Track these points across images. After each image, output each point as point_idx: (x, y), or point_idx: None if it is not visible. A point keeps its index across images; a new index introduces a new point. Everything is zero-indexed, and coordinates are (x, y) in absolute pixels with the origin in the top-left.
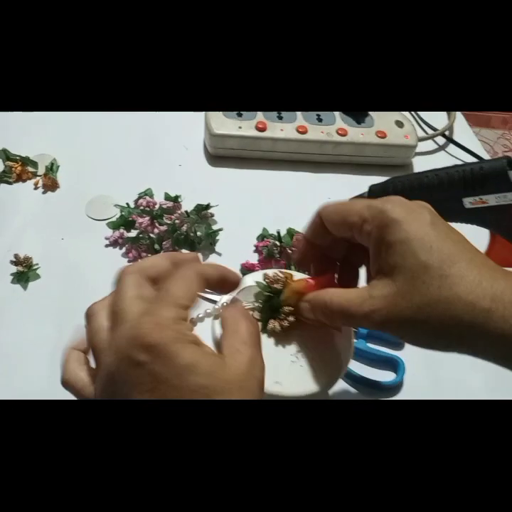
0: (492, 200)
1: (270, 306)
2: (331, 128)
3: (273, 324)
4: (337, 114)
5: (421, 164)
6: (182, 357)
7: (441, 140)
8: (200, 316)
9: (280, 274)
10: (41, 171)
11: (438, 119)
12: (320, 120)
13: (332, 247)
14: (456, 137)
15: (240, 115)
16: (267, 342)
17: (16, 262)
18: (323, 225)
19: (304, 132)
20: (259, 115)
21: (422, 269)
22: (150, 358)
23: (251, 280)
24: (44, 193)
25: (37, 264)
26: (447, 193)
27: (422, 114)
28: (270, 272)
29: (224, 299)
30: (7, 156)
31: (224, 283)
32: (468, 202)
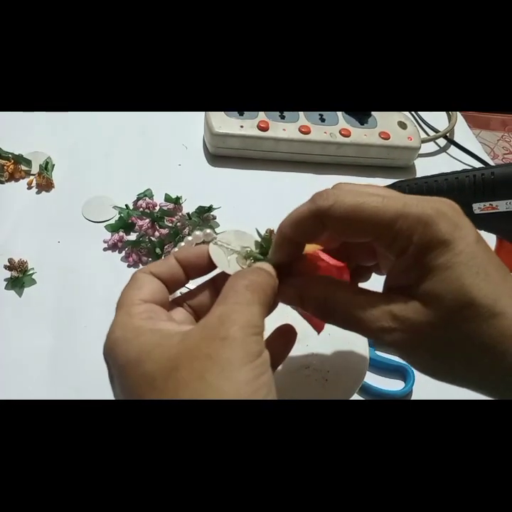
0: (502, 206)
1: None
2: (334, 128)
3: None
4: (340, 114)
5: (423, 166)
6: (125, 353)
7: (442, 142)
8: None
9: None
10: (35, 169)
11: (439, 120)
12: (323, 120)
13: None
14: (456, 139)
15: (241, 114)
16: None
17: (11, 266)
18: (323, 223)
19: (307, 132)
20: (261, 114)
21: (468, 303)
22: (113, 370)
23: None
24: (38, 193)
25: (32, 268)
26: (457, 198)
27: (423, 115)
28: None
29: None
30: None
31: (181, 273)
32: (478, 207)
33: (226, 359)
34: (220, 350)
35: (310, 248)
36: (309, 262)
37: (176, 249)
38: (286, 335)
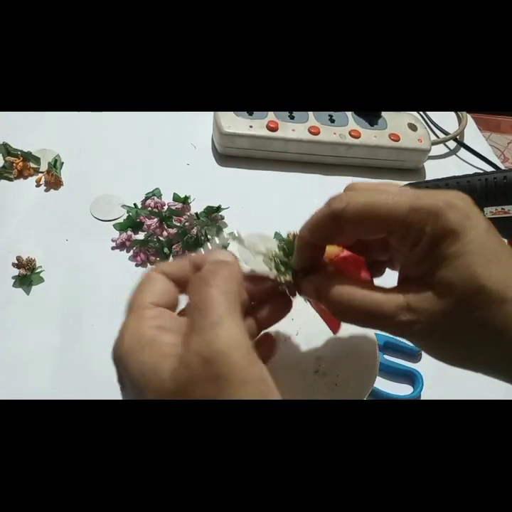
0: None
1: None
2: (344, 129)
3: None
4: (350, 115)
5: (432, 168)
6: (133, 368)
7: (451, 144)
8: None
9: None
10: (44, 167)
11: (448, 123)
12: (332, 121)
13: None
14: (466, 141)
15: (250, 114)
16: (288, 352)
17: (19, 264)
18: (339, 225)
19: (317, 133)
20: (271, 114)
21: (479, 290)
22: (122, 374)
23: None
24: (46, 190)
25: (40, 266)
26: None
27: (433, 117)
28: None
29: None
30: (8, 150)
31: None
32: (489, 211)
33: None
34: (212, 391)
35: (330, 249)
36: (329, 260)
37: (198, 252)
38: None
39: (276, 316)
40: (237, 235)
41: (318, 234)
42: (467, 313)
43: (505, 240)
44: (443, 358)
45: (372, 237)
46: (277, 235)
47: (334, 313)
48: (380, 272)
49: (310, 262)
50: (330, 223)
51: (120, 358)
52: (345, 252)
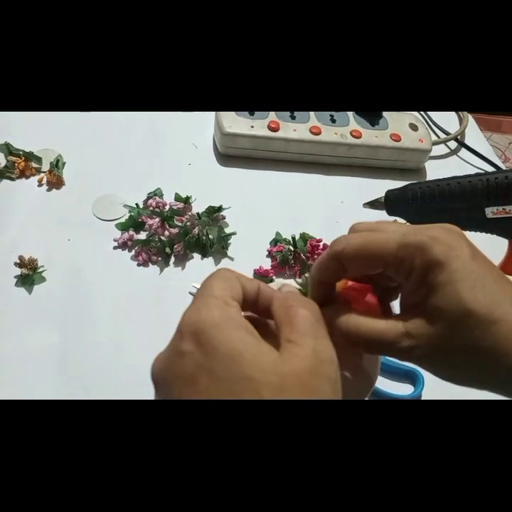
0: None
1: None
2: (345, 129)
3: None
4: (351, 115)
5: (433, 169)
6: (226, 343)
7: (452, 144)
8: None
9: None
10: (45, 167)
11: (449, 123)
12: (334, 121)
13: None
14: (467, 142)
15: (252, 114)
16: None
17: (21, 264)
18: (341, 264)
19: (318, 133)
20: (272, 115)
21: (466, 314)
22: (192, 347)
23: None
24: (48, 190)
25: (42, 266)
26: (470, 202)
27: (434, 117)
28: None
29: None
30: (9, 150)
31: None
32: (491, 211)
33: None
34: (322, 386)
35: (340, 283)
36: (337, 290)
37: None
38: None
39: None
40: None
41: (325, 273)
42: (458, 336)
43: (507, 240)
44: (448, 378)
45: (371, 272)
46: (278, 235)
47: (344, 341)
48: (394, 297)
49: (322, 299)
50: (333, 264)
51: (205, 329)
52: (351, 283)
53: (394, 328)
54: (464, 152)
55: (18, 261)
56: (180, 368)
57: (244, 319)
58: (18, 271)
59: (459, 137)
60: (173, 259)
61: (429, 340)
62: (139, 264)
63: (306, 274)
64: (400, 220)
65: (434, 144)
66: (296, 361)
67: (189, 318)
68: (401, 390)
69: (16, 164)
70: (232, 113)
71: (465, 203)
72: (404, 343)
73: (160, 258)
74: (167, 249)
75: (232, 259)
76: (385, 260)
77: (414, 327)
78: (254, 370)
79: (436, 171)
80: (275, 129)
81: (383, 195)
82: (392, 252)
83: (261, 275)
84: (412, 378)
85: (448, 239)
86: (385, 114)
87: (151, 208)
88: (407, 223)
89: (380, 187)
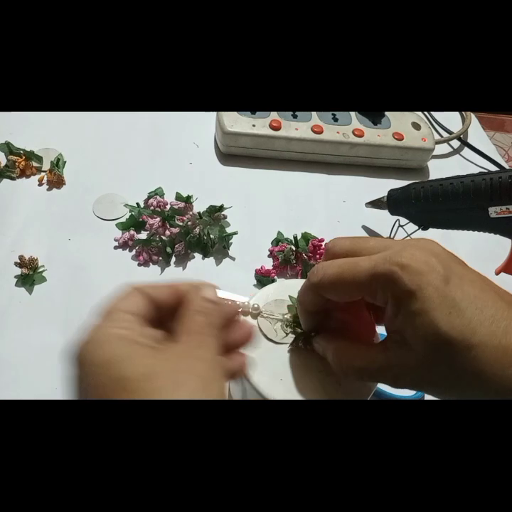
0: None
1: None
2: (347, 128)
3: (301, 342)
4: (353, 114)
5: (436, 168)
6: (102, 354)
7: (455, 143)
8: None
9: None
10: (46, 166)
11: (452, 122)
12: (336, 120)
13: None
14: (470, 141)
15: (253, 113)
16: (293, 358)
17: (21, 263)
18: (320, 294)
19: (320, 132)
20: (274, 114)
21: (444, 343)
22: (75, 372)
23: (271, 290)
24: (49, 189)
25: (43, 266)
26: (473, 201)
27: (436, 116)
28: None
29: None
30: (10, 149)
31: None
32: (494, 211)
33: (204, 375)
34: (198, 367)
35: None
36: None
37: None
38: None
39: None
40: (256, 306)
41: (308, 302)
42: (440, 365)
43: (510, 240)
44: (442, 398)
45: (350, 299)
46: (280, 235)
47: (335, 370)
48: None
49: (314, 324)
50: (312, 294)
51: (84, 350)
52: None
53: (378, 359)
54: (466, 151)
55: (19, 261)
56: (74, 388)
57: (127, 331)
58: (18, 271)
59: (461, 136)
60: (174, 259)
61: (411, 370)
62: (139, 264)
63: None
64: (402, 219)
65: (437, 143)
66: (170, 350)
67: (78, 343)
68: (403, 390)
69: (17, 163)
70: (234, 112)
71: (468, 202)
72: (388, 373)
73: (161, 258)
74: (168, 249)
75: (233, 259)
76: (361, 290)
77: (396, 356)
78: (124, 368)
79: (439, 170)
80: (277, 128)
81: (386, 194)
82: (366, 282)
83: (262, 275)
84: None
85: (419, 264)
86: (387, 113)
87: (151, 208)
88: (392, 237)
89: (382, 186)
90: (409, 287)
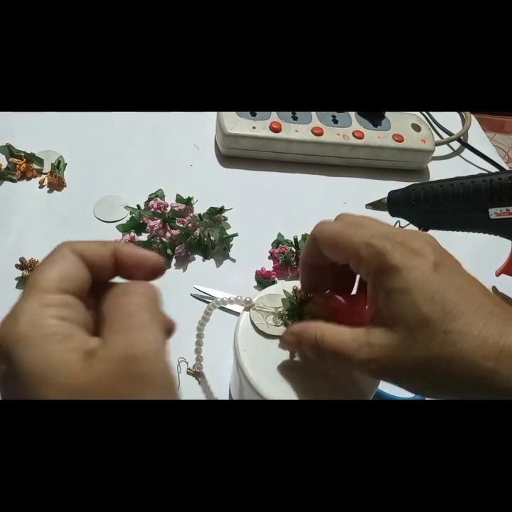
0: None
1: (297, 314)
2: (347, 130)
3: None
4: (353, 116)
5: (436, 169)
6: (31, 363)
7: (455, 145)
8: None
9: None
10: (47, 168)
11: (452, 123)
12: (336, 122)
13: (332, 265)
14: (470, 142)
15: (253, 115)
16: (294, 358)
17: (22, 265)
18: (318, 246)
19: (320, 134)
20: (274, 115)
21: (423, 323)
22: (4, 363)
23: (272, 291)
24: (50, 192)
25: None
26: (473, 202)
27: (436, 118)
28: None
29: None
30: (11, 151)
31: (123, 263)
32: (494, 212)
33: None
34: (136, 389)
35: (329, 296)
36: (334, 303)
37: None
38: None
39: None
40: (248, 300)
41: (308, 255)
42: (417, 346)
43: (511, 241)
44: (415, 391)
45: (339, 261)
46: (280, 236)
47: (312, 356)
48: None
49: (310, 283)
50: (313, 245)
51: (12, 344)
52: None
53: (357, 339)
54: (466, 153)
55: (20, 263)
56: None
57: (61, 326)
58: (19, 273)
59: (461, 138)
60: (174, 260)
61: (388, 351)
62: None
63: (295, 287)
64: (402, 221)
65: (437, 144)
66: (99, 368)
67: (2, 329)
68: (404, 391)
69: (18, 166)
70: (234, 114)
71: (468, 203)
72: (363, 355)
73: (161, 260)
74: (168, 251)
75: (233, 260)
76: (348, 253)
77: (374, 337)
78: (57, 390)
79: (439, 171)
80: (277, 130)
81: (386, 196)
82: (356, 249)
83: (263, 276)
84: None
85: (413, 247)
86: (387, 114)
87: (152, 210)
88: (397, 225)
89: (382, 188)
90: (397, 263)
